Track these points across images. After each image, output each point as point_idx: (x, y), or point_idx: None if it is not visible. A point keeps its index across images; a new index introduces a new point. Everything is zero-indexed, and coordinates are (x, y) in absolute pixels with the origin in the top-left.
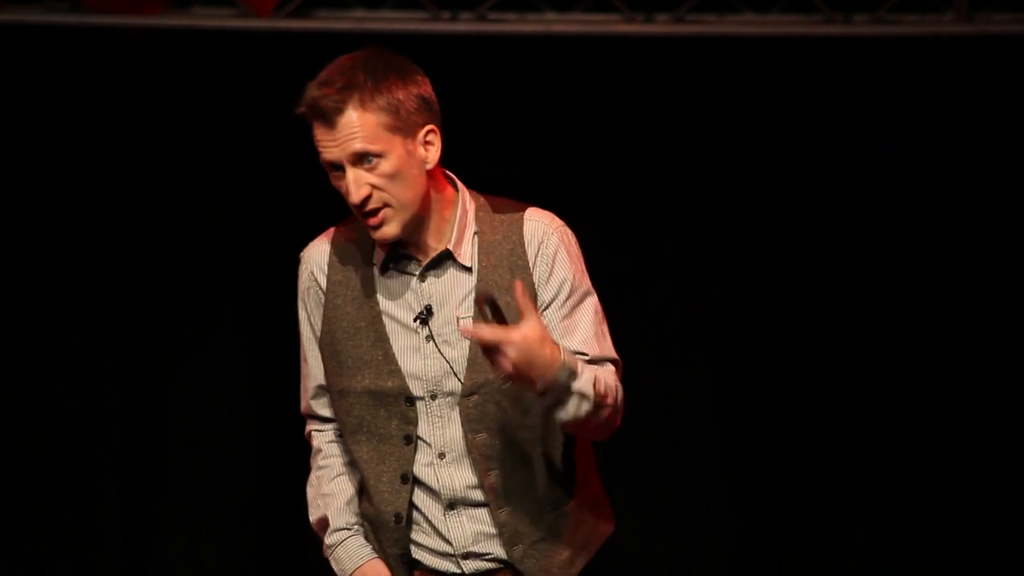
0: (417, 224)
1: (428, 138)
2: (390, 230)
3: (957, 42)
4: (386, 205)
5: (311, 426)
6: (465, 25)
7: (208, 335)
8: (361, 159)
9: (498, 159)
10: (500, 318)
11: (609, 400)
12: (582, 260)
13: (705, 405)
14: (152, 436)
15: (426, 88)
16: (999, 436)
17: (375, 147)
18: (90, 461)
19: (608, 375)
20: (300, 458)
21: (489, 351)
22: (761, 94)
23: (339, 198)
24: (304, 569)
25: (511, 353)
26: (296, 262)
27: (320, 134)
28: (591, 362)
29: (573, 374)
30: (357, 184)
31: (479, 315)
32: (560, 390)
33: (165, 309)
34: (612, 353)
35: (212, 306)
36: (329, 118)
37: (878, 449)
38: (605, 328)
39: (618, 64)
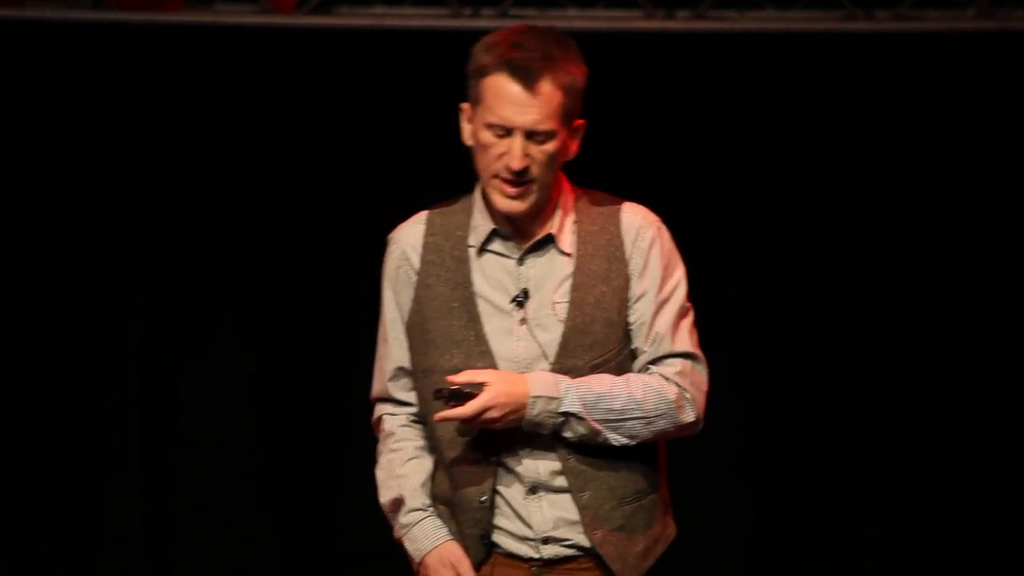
0: (539, 206)
1: (577, 132)
2: (523, 205)
3: (978, 38)
4: (532, 181)
5: (383, 409)
6: (486, 21)
7: (208, 334)
8: (535, 133)
9: None
10: (462, 397)
11: (639, 412)
12: (675, 254)
13: (726, 402)
14: (153, 435)
15: (587, 75)
16: (1013, 433)
17: (551, 126)
18: (90, 461)
19: (637, 384)
20: (300, 455)
21: (476, 423)
22: (782, 90)
23: (337, 202)
24: (304, 565)
25: (495, 413)
26: (278, 262)
27: (507, 92)
28: (659, 359)
29: (552, 400)
30: (523, 152)
31: (442, 407)
32: (547, 417)
33: (165, 309)
34: (687, 347)
35: (212, 305)
36: (528, 81)
37: (893, 446)
38: (687, 322)
39: (639, 60)
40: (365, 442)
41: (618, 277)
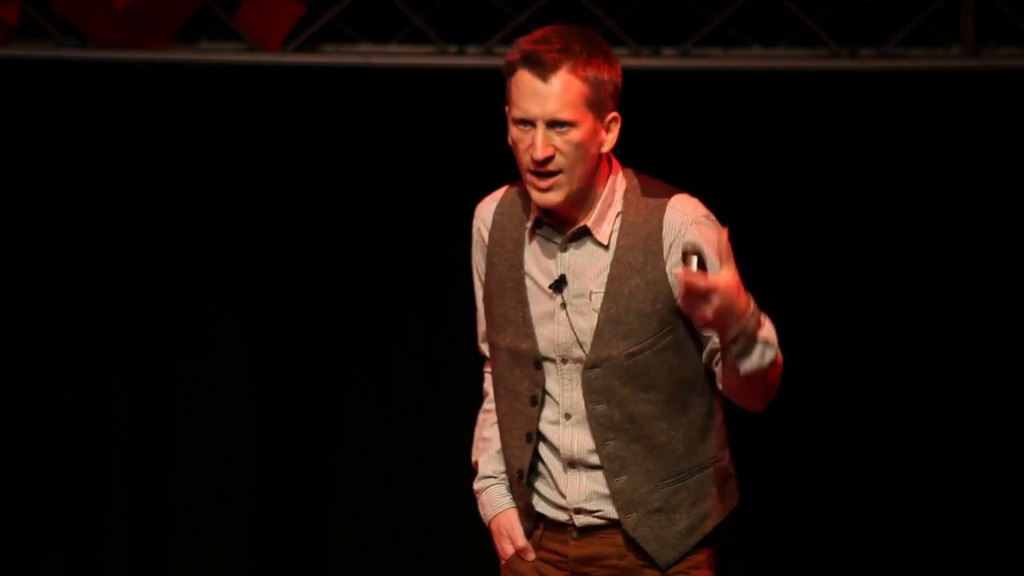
0: (575, 198)
1: (611, 124)
2: (554, 197)
3: (963, 76)
4: (560, 171)
5: (485, 366)
6: (472, 59)
7: (211, 336)
8: (556, 123)
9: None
10: (703, 269)
11: (780, 359)
12: (724, 245)
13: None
14: (156, 437)
15: (621, 78)
16: (1004, 440)
17: (572, 116)
18: (94, 463)
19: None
20: (304, 455)
21: (692, 299)
22: (766, 128)
23: (340, 209)
24: (311, 566)
25: (716, 301)
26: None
27: (525, 85)
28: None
29: (760, 323)
30: (545, 142)
31: (685, 263)
32: (748, 337)
33: (167, 313)
34: None
35: (215, 307)
36: (544, 71)
37: (882, 458)
38: None
39: (625, 98)
40: (364, 445)
41: (654, 270)
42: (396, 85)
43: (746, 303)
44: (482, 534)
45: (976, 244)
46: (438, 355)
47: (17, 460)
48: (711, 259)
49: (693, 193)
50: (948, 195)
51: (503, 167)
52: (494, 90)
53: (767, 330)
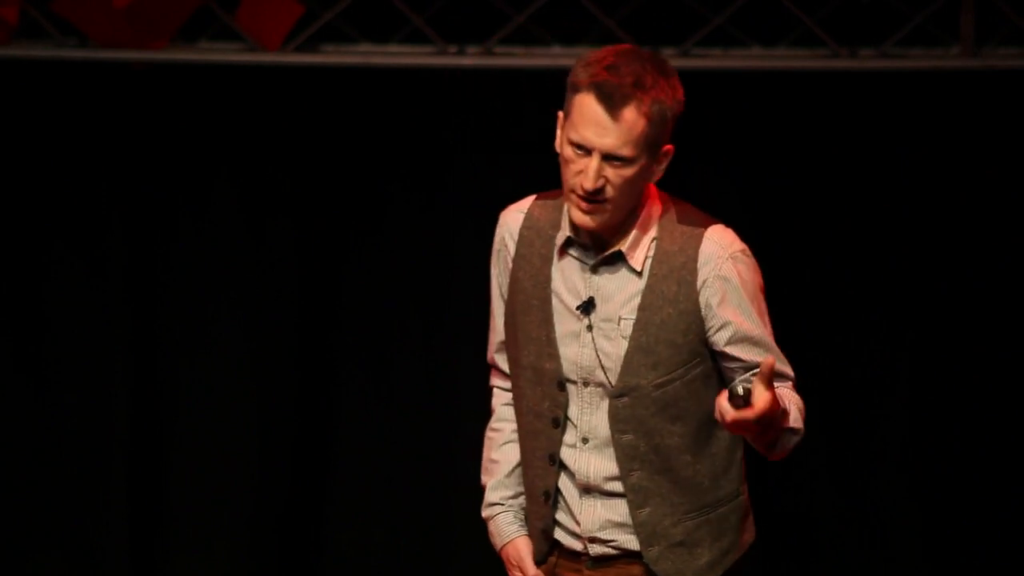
0: (612, 222)
1: (662, 157)
2: (594, 222)
3: (963, 76)
4: (606, 200)
5: (494, 380)
6: (472, 59)
7: (211, 336)
8: (613, 157)
9: (500, 194)
10: (747, 403)
11: (803, 424)
12: (758, 282)
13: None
14: (156, 437)
15: (683, 105)
16: (1004, 440)
17: (630, 153)
18: (94, 463)
19: (797, 399)
20: (304, 455)
21: (736, 429)
22: (765, 128)
23: (340, 209)
24: (311, 566)
25: (755, 427)
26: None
27: (590, 113)
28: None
29: (785, 414)
30: (597, 174)
31: (732, 401)
32: (777, 432)
33: (167, 313)
34: (788, 370)
35: (215, 307)
36: (612, 105)
37: (882, 458)
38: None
39: None
40: (364, 445)
41: (686, 301)
42: (396, 85)
43: (777, 406)
44: (482, 534)
45: (976, 244)
46: (438, 355)
47: (17, 460)
48: (742, 305)
49: (694, 194)
50: (948, 195)
51: (503, 167)
52: (494, 90)
53: (793, 418)
